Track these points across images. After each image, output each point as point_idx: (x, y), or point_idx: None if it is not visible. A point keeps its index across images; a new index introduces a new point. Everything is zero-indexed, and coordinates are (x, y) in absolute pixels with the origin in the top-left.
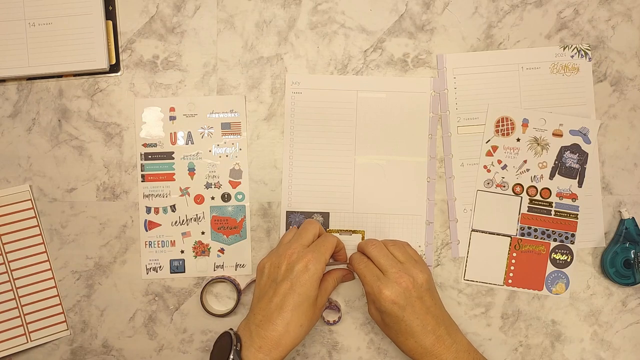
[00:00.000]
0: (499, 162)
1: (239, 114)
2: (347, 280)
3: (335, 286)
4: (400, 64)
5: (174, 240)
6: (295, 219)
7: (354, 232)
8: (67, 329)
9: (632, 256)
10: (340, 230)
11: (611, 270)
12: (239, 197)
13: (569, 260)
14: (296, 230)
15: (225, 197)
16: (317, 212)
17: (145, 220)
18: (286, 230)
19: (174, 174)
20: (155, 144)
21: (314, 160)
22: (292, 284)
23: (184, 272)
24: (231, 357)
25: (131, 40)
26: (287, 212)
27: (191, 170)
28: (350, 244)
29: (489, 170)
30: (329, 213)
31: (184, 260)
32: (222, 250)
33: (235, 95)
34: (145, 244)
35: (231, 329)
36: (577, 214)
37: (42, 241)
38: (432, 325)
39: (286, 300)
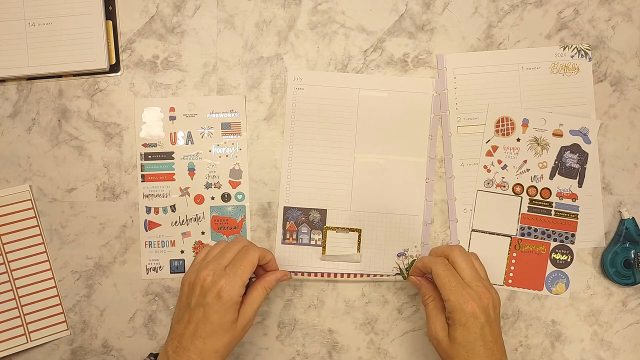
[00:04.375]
0: (499, 162)
1: (239, 114)
2: (284, 280)
3: (268, 292)
4: (400, 64)
5: (174, 240)
6: (292, 214)
7: (351, 230)
8: (67, 329)
9: (632, 256)
10: (337, 227)
11: (611, 270)
12: (239, 197)
13: (569, 260)
14: (223, 246)
15: (225, 197)
16: (314, 209)
17: (145, 220)
18: (283, 227)
19: (174, 174)
20: (155, 144)
21: (313, 157)
22: (205, 311)
23: (184, 272)
24: None
25: (131, 40)
26: (284, 207)
27: (191, 170)
28: (348, 242)
29: (489, 170)
30: (326, 210)
31: (184, 260)
32: None
33: (235, 95)
34: (145, 244)
35: (152, 354)
36: (577, 214)
37: (42, 241)
38: (499, 354)
39: (199, 328)
